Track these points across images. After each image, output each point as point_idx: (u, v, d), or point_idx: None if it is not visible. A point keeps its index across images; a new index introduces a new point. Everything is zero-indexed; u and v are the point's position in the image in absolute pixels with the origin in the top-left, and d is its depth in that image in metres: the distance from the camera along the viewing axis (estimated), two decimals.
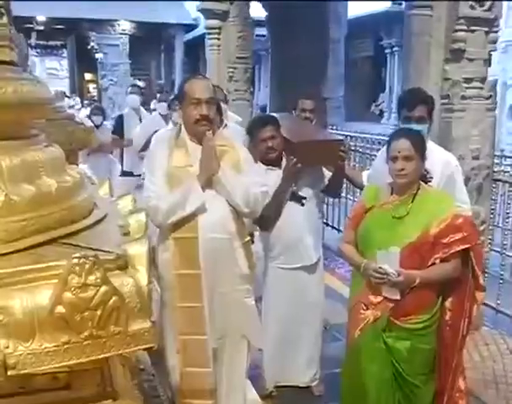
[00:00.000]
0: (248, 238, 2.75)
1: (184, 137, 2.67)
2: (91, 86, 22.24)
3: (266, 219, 3.02)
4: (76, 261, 1.04)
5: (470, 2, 3.16)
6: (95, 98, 20.30)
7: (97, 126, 6.95)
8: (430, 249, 2.42)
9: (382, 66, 15.23)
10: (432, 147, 2.89)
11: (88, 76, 22.03)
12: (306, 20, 6.34)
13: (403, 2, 12.28)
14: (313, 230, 3.28)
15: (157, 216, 2.55)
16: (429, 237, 2.42)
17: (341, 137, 3.75)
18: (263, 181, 2.75)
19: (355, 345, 2.60)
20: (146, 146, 5.23)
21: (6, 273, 1.06)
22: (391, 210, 2.53)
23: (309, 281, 3.31)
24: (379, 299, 2.49)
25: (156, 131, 5.30)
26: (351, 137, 6.81)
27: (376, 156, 4.38)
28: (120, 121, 6.78)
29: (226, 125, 4.15)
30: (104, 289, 1.06)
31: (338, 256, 5.93)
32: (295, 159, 2.98)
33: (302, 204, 3.17)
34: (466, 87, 3.34)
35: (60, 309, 1.04)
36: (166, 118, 5.81)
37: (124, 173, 6.45)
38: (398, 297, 2.43)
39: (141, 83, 21.22)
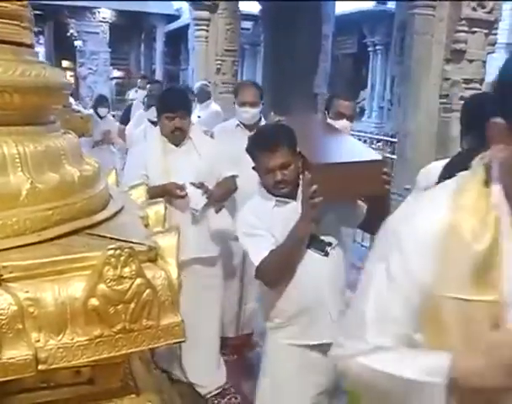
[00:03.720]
0: None
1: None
2: (68, 74, 21.85)
3: (273, 273, 2.15)
4: (111, 252, 1.00)
5: (472, 4, 3.17)
6: (73, 86, 19.93)
7: (101, 117, 6.74)
8: None
9: (364, 63, 15.31)
10: None
11: (65, 63, 21.63)
12: (300, 15, 6.32)
13: (388, 2, 12.37)
14: (338, 290, 2.27)
15: None
16: None
17: (380, 156, 2.57)
18: None
19: None
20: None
21: (36, 264, 1.02)
22: None
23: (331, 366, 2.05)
24: None
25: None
26: None
27: None
28: (127, 112, 6.56)
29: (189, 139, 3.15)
30: (138, 281, 1.03)
31: None
32: (314, 188, 2.01)
33: (326, 254, 2.19)
34: (465, 88, 3.36)
35: (93, 301, 1.01)
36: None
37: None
38: None
39: (119, 73, 21.02)
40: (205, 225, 3.09)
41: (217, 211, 3.14)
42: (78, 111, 2.81)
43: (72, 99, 16.41)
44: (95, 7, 17.88)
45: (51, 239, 1.13)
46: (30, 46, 1.33)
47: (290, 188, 2.16)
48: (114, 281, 1.01)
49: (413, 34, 3.43)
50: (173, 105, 3.01)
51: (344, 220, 2.29)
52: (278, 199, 2.19)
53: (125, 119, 6.46)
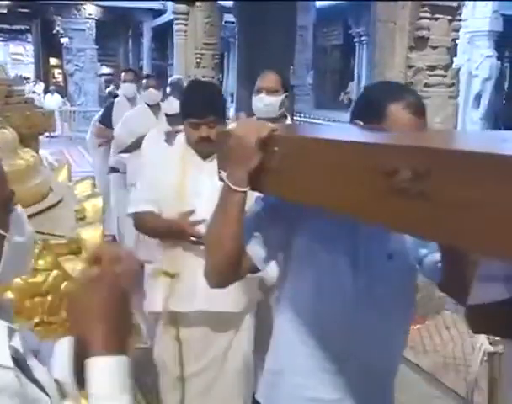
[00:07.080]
0: None
1: None
2: (56, 71, 21.76)
3: None
4: None
5: None
6: (61, 83, 19.90)
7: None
8: None
9: (351, 54, 15.30)
10: None
11: (53, 61, 21.52)
12: (273, 6, 6.27)
13: None
14: None
15: None
16: None
17: None
18: None
19: None
20: (132, 148, 4.36)
21: None
22: None
23: None
24: None
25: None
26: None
27: None
28: (109, 111, 5.57)
29: None
30: (55, 273, 1.03)
31: None
32: None
33: None
34: (430, 75, 3.37)
35: (9, 295, 1.01)
36: (156, 110, 4.59)
37: (111, 170, 5.23)
38: None
39: (108, 70, 20.91)
40: None
41: None
42: (41, 107, 2.79)
43: (59, 96, 16.33)
44: (80, 4, 17.77)
45: None
46: None
47: None
48: (28, 274, 1.01)
49: (375, 21, 3.45)
50: (198, 109, 2.21)
51: None
52: None
53: (105, 119, 5.50)
